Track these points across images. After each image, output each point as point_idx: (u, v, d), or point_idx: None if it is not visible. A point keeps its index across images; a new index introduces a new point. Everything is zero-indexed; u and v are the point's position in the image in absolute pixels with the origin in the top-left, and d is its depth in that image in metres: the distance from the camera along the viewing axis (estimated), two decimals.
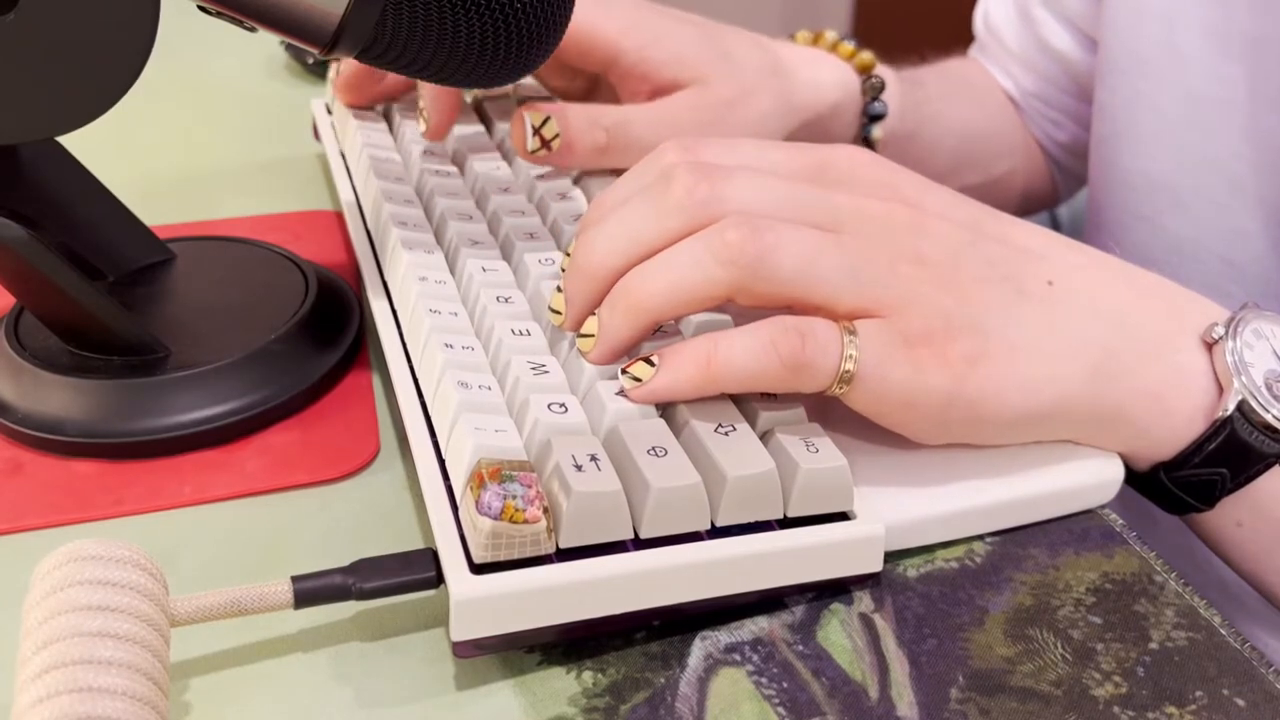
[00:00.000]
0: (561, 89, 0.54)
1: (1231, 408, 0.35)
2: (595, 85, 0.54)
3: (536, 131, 0.45)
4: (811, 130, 0.54)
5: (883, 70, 0.57)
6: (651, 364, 0.33)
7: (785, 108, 0.52)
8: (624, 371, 0.34)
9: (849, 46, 0.57)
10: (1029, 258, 0.36)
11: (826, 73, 0.55)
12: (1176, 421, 0.36)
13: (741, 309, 0.35)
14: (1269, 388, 0.35)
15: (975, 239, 0.36)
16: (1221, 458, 0.36)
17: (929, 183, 0.38)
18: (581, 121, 0.46)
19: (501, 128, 0.51)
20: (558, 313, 0.36)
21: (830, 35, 0.57)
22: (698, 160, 0.36)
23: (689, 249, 0.33)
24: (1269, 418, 0.35)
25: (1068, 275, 0.36)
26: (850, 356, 0.32)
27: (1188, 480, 0.36)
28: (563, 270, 0.38)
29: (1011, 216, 0.38)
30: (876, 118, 0.57)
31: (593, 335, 0.34)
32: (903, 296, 0.33)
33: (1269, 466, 0.36)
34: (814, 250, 0.33)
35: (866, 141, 0.57)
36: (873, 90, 0.56)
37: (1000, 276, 0.35)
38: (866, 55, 0.56)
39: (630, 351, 0.35)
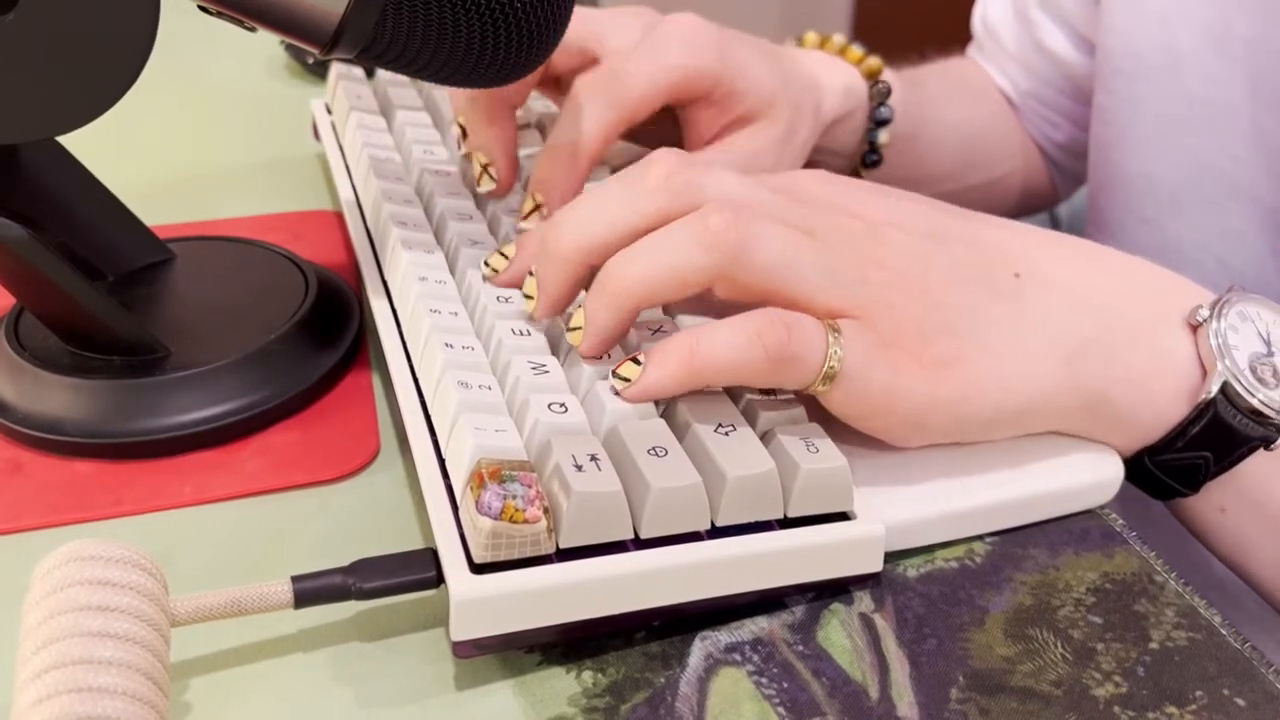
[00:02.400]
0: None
1: (1214, 391, 0.35)
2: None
3: None
4: (821, 136, 0.54)
5: (886, 74, 0.57)
6: (639, 363, 0.33)
7: (818, 124, 0.52)
8: (614, 373, 0.34)
9: (857, 51, 0.56)
10: (994, 254, 0.36)
11: (840, 79, 0.55)
12: (1160, 405, 0.36)
13: (723, 306, 0.35)
14: (1254, 371, 0.35)
15: (936, 244, 0.36)
16: (1204, 441, 0.36)
17: (883, 191, 0.38)
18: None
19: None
20: (530, 298, 0.36)
21: (838, 39, 0.57)
22: (681, 155, 0.36)
23: (670, 232, 0.33)
24: (1254, 402, 0.35)
25: (1037, 267, 0.36)
26: (835, 354, 0.32)
27: (1171, 464, 0.36)
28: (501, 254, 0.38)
29: (978, 213, 0.38)
30: (883, 123, 0.57)
31: (580, 328, 0.34)
32: (876, 300, 0.34)
33: (1252, 450, 0.36)
34: (794, 244, 0.33)
35: (873, 146, 0.57)
36: (879, 96, 0.56)
37: (966, 278, 0.35)
38: (874, 61, 0.56)
39: (619, 342, 0.35)
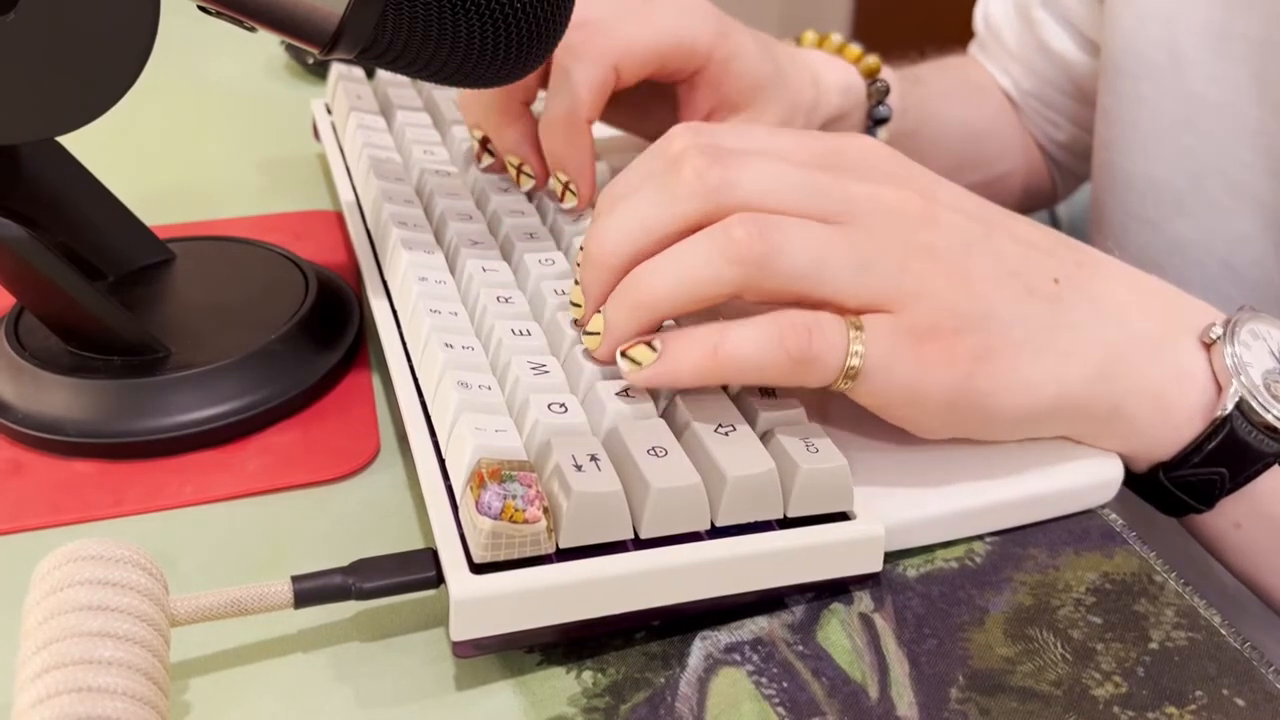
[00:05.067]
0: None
1: (1230, 407, 0.35)
2: (620, 96, 0.53)
3: None
4: None
5: (885, 71, 0.57)
6: (653, 348, 0.33)
7: (814, 120, 0.52)
8: (623, 354, 0.33)
9: (855, 50, 0.56)
10: (1037, 254, 0.36)
11: (838, 78, 0.55)
12: (1176, 421, 0.36)
13: (746, 305, 0.35)
14: (1268, 388, 0.35)
15: (986, 233, 0.36)
16: (1220, 457, 0.36)
17: (939, 177, 0.37)
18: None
19: None
20: (577, 305, 0.36)
21: (836, 38, 0.57)
22: (708, 143, 0.35)
23: (695, 245, 0.33)
24: (1270, 418, 0.35)
25: (1073, 274, 0.36)
26: (856, 353, 0.32)
27: (1186, 480, 0.36)
28: (577, 264, 0.38)
29: (1014, 213, 0.38)
30: (881, 121, 0.57)
31: (598, 333, 0.34)
32: (911, 291, 0.33)
33: (1268, 466, 0.36)
34: (821, 247, 0.33)
35: None
36: (878, 94, 0.56)
37: (1008, 272, 0.35)
38: (872, 59, 0.56)
39: None
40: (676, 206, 0.34)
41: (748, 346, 0.32)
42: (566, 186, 0.44)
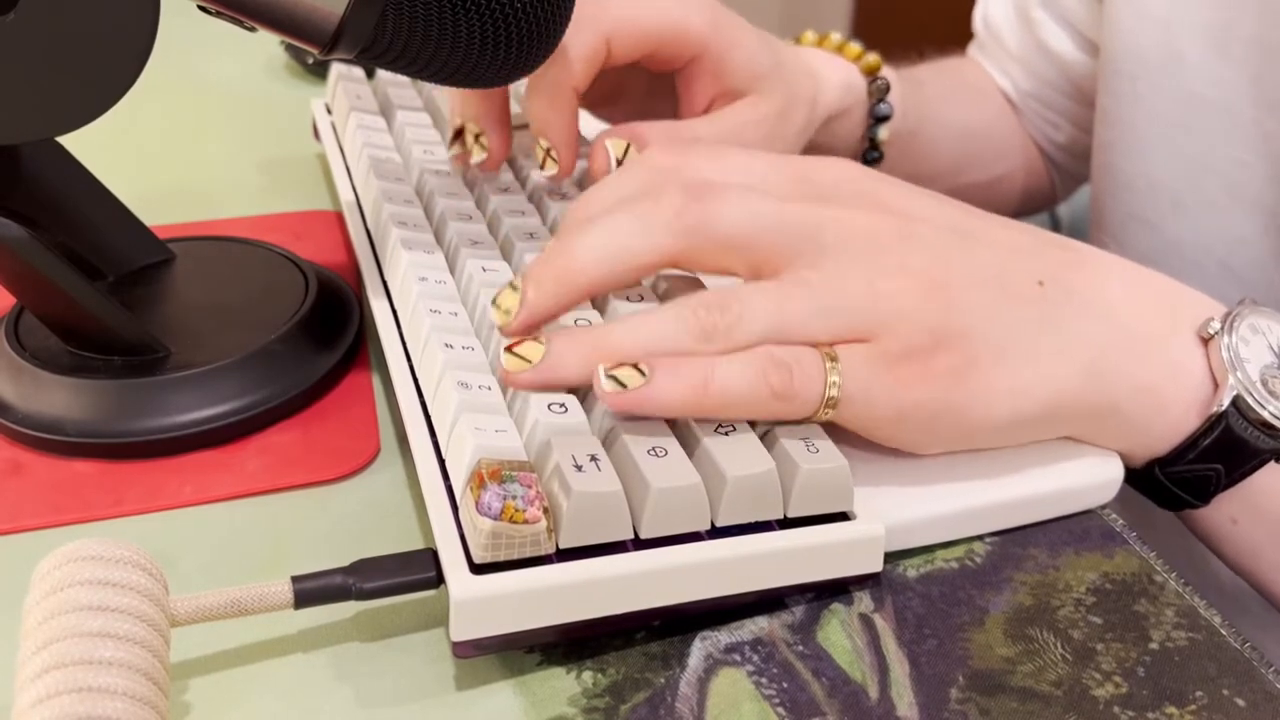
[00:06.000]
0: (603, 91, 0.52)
1: (1226, 403, 0.35)
2: (621, 89, 0.53)
3: (620, 161, 0.44)
4: (821, 132, 0.54)
5: (885, 70, 0.57)
6: (641, 372, 0.32)
7: (815, 114, 0.52)
8: (608, 375, 0.32)
9: (855, 48, 0.56)
10: (1018, 258, 0.36)
11: (839, 75, 0.55)
12: (1172, 416, 0.36)
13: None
14: (1265, 384, 0.35)
15: (962, 242, 0.36)
16: (1216, 453, 0.36)
17: (913, 188, 0.38)
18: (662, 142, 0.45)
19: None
20: (506, 312, 0.34)
21: (836, 36, 0.57)
22: (687, 172, 0.36)
23: (664, 315, 0.33)
24: (1265, 414, 0.35)
25: (1058, 274, 0.36)
26: (833, 383, 0.33)
27: (1182, 476, 0.36)
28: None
29: (999, 217, 0.38)
30: (882, 119, 0.57)
31: (510, 310, 0.34)
32: (881, 320, 0.33)
33: (1264, 462, 0.36)
34: (779, 302, 0.33)
35: (873, 143, 0.57)
36: (878, 92, 0.56)
37: (987, 278, 0.35)
38: (872, 57, 0.56)
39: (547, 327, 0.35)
40: (654, 239, 0.34)
41: (737, 383, 0.32)
42: (548, 153, 0.44)
